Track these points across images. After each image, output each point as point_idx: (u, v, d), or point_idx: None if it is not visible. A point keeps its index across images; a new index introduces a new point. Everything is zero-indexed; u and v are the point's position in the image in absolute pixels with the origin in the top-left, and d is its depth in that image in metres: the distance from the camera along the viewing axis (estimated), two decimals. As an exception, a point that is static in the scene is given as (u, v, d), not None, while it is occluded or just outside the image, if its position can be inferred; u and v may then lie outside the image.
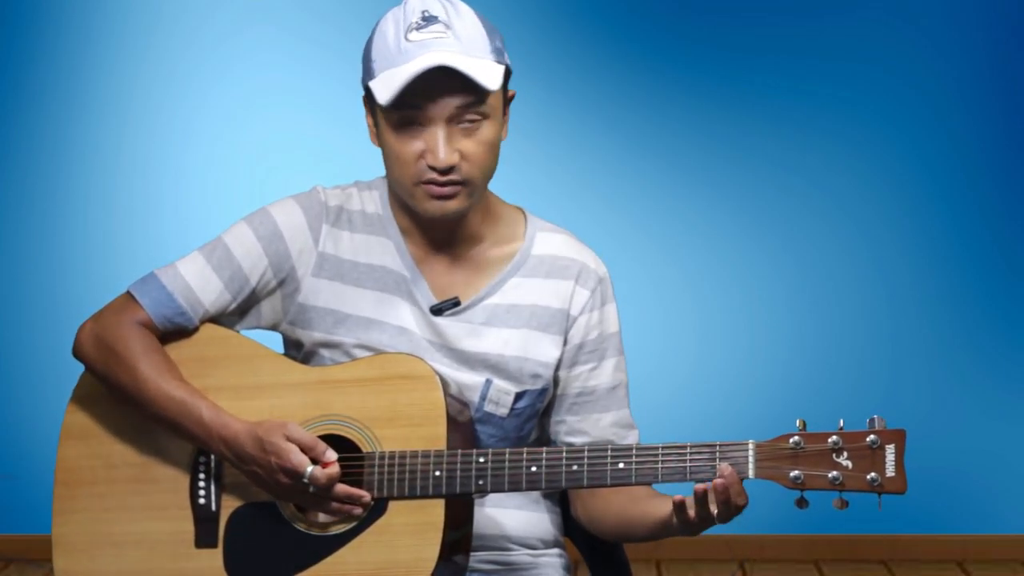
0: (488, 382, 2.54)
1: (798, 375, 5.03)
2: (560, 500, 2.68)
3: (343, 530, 2.45)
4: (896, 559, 5.07)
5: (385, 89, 2.43)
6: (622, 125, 5.01)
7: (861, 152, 5.00)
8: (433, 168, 2.44)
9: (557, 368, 2.58)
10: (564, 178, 5.01)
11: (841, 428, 2.34)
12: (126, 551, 2.52)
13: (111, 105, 5.03)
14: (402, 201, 2.54)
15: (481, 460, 2.42)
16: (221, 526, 2.50)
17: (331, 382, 2.49)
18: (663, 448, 2.39)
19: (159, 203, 5.03)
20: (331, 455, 2.42)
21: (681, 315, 5.05)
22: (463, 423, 2.50)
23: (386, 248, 2.56)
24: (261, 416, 2.47)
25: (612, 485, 2.40)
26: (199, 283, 2.53)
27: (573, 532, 2.70)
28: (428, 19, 2.44)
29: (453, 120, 2.43)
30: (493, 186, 2.57)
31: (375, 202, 2.58)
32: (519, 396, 2.56)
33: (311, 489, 2.42)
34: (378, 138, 2.51)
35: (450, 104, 2.43)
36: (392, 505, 2.44)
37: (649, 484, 2.43)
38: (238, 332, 2.57)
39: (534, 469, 2.42)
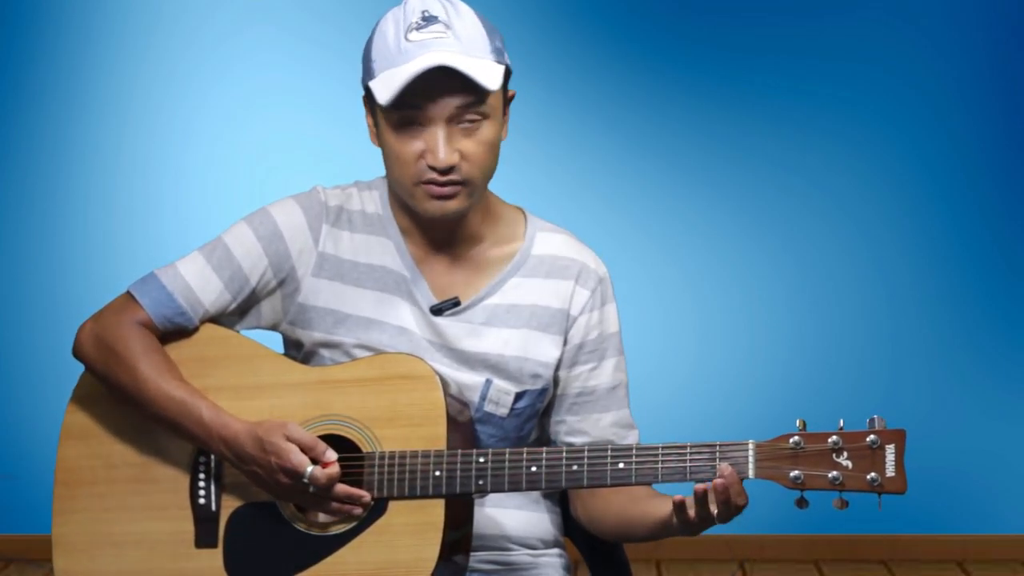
0: (488, 382, 2.54)
1: (798, 375, 5.03)
2: (560, 500, 2.68)
3: (343, 530, 2.45)
4: (896, 559, 5.07)
5: (385, 89, 2.43)
6: (622, 125, 5.01)
7: (861, 152, 5.00)
8: (433, 168, 2.44)
9: (557, 368, 2.58)
10: (564, 178, 5.01)
11: (841, 428, 2.34)
12: (126, 551, 2.52)
13: (111, 105, 5.03)
14: (402, 201, 2.54)
15: (481, 460, 2.42)
16: (221, 526, 2.50)
17: (331, 382, 2.49)
18: (663, 448, 2.39)
19: (159, 203, 5.03)
20: (331, 455, 2.42)
21: (681, 315, 5.05)
22: (463, 423, 2.50)
23: (386, 248, 2.56)
24: (261, 416, 2.47)
25: (612, 485, 2.40)
26: (199, 283, 2.53)
27: (573, 532, 2.70)
28: (428, 19, 2.44)
29: (453, 120, 2.44)
30: (493, 186, 2.57)
31: (375, 202, 2.58)
32: (519, 396, 2.56)
33: (311, 489, 2.42)
34: (378, 138, 2.51)
35: (450, 104, 2.43)
36: (392, 505, 2.44)
37: (649, 484, 2.43)
38: (238, 332, 2.57)
39: (534, 469, 2.42)
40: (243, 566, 2.48)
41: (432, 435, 2.44)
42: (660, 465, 2.38)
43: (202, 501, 2.51)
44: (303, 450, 2.42)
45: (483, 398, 2.55)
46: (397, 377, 2.46)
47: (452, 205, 2.47)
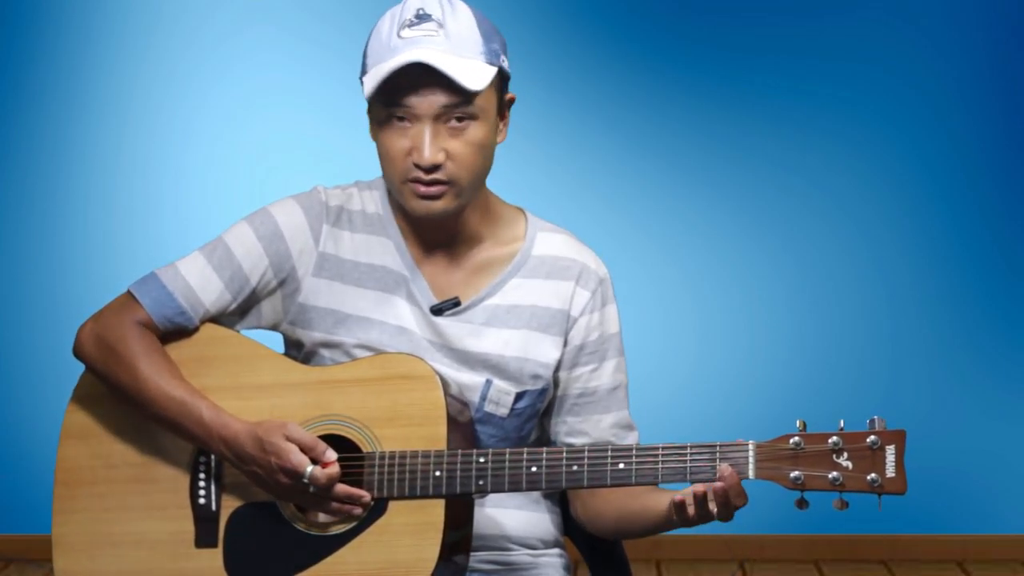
0: (488, 382, 2.54)
1: (798, 375, 5.02)
2: (560, 500, 2.68)
3: (343, 530, 2.45)
4: (896, 559, 5.07)
5: (370, 83, 2.44)
6: (622, 125, 5.01)
7: (861, 152, 5.00)
8: (418, 166, 2.44)
9: (557, 369, 2.58)
10: (564, 178, 5.00)
11: (841, 428, 2.34)
12: (126, 551, 2.52)
13: (111, 105, 5.03)
14: (402, 201, 2.55)
15: (481, 460, 2.42)
16: (221, 526, 2.50)
17: (331, 382, 2.49)
18: (663, 448, 2.39)
19: (159, 203, 5.03)
20: (331, 455, 2.42)
21: (681, 315, 5.05)
22: (463, 423, 2.50)
23: (386, 248, 2.56)
24: (261, 416, 2.47)
25: (612, 485, 2.40)
26: (199, 283, 2.53)
27: (573, 532, 2.70)
28: (421, 17, 2.45)
29: (440, 119, 2.44)
30: (493, 186, 2.57)
31: (375, 202, 2.58)
32: (519, 396, 2.56)
33: (311, 489, 2.42)
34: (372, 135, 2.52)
35: (436, 103, 2.43)
36: (392, 505, 2.44)
37: (649, 484, 2.42)
38: (238, 332, 2.57)
39: (534, 469, 2.42)
40: (243, 566, 2.48)
41: (432, 435, 2.44)
42: (660, 465, 2.38)
43: (202, 501, 2.51)
44: (303, 450, 2.42)
45: (483, 398, 2.55)
46: (397, 377, 2.46)
47: (438, 205, 2.47)
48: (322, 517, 2.47)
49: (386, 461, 2.44)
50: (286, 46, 5.00)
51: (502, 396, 2.55)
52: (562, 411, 2.60)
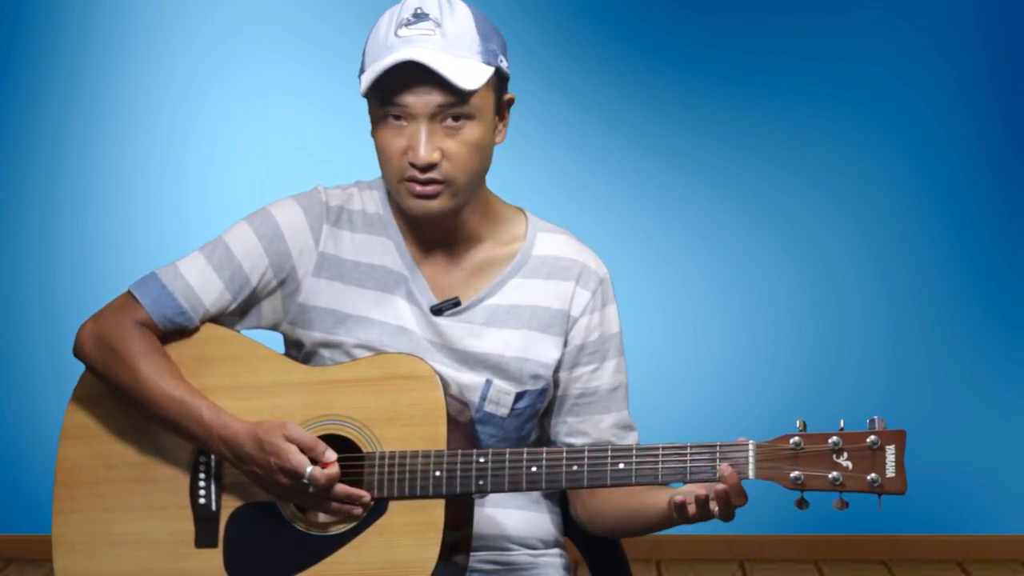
0: (488, 382, 2.54)
1: (798, 375, 5.02)
2: (560, 500, 2.68)
3: (343, 530, 2.45)
4: (896, 559, 5.07)
5: (365, 81, 2.45)
6: (622, 125, 5.01)
7: (861, 152, 5.00)
8: (414, 165, 2.44)
9: (557, 369, 2.58)
10: (564, 178, 5.00)
11: (841, 428, 2.34)
12: (126, 551, 2.52)
13: (111, 105, 5.03)
14: (402, 201, 2.55)
15: (481, 460, 2.42)
16: (221, 526, 2.50)
17: (331, 382, 2.49)
18: (663, 448, 2.39)
19: (159, 203, 5.03)
20: (330, 455, 2.42)
21: (681, 315, 5.05)
22: (463, 423, 2.50)
23: (387, 248, 2.56)
24: (261, 416, 2.47)
25: (612, 485, 2.40)
26: (200, 283, 2.53)
27: (573, 532, 2.70)
28: (419, 16, 2.45)
29: (436, 118, 2.44)
30: (493, 186, 2.57)
31: (376, 202, 2.58)
32: (519, 396, 2.55)
33: (311, 489, 2.42)
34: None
35: (431, 102, 2.43)
36: (392, 505, 2.44)
37: (649, 484, 2.42)
38: (238, 332, 2.57)
39: (534, 469, 2.42)
40: (243, 566, 2.48)
41: (432, 435, 2.44)
42: (660, 465, 2.38)
43: (202, 501, 2.51)
44: (303, 450, 2.42)
45: (483, 398, 2.55)
46: (397, 377, 2.46)
47: (434, 205, 2.47)
48: (322, 517, 2.47)
49: (386, 461, 2.44)
50: (286, 46, 5.00)
51: (502, 396, 2.55)
52: (562, 411, 2.60)
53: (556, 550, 2.66)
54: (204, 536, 2.50)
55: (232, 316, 2.56)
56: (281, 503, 2.48)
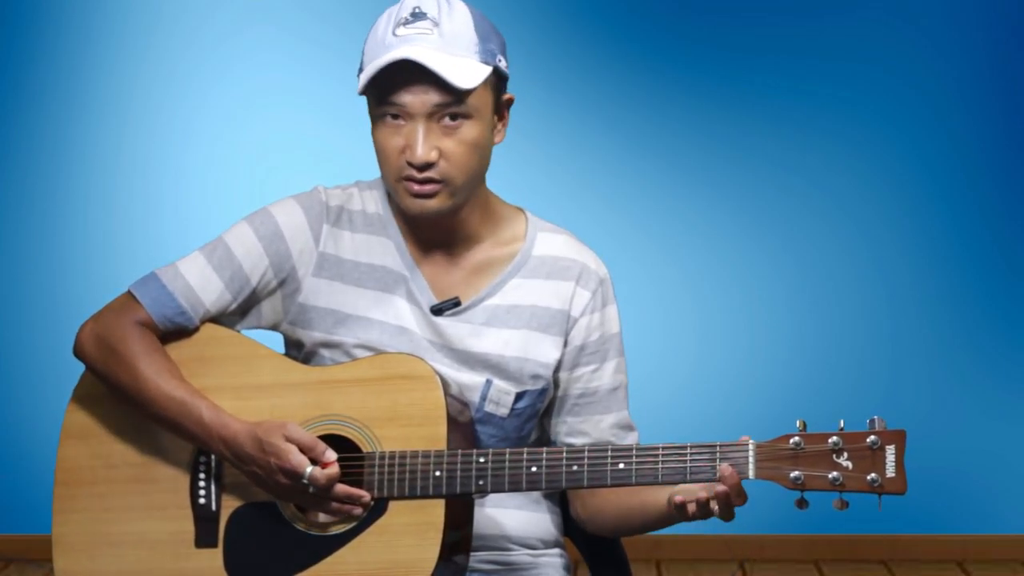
0: (488, 382, 2.54)
1: (798, 375, 5.02)
2: (560, 500, 2.68)
3: (343, 530, 2.45)
4: (896, 559, 5.07)
5: (362, 80, 2.45)
6: (622, 125, 5.01)
7: (861, 152, 5.00)
8: (411, 164, 2.44)
9: (558, 370, 2.58)
10: (564, 178, 5.00)
11: (841, 428, 2.34)
12: (126, 551, 2.52)
13: (111, 105, 5.03)
14: (402, 201, 2.55)
15: (481, 460, 2.42)
16: (221, 526, 2.50)
17: (331, 382, 2.49)
18: (663, 448, 2.39)
19: (159, 203, 5.03)
20: (330, 455, 2.42)
21: (681, 315, 5.05)
22: (463, 423, 2.50)
23: (387, 248, 2.56)
24: (261, 416, 2.47)
25: (612, 485, 2.40)
26: (200, 283, 2.53)
27: (573, 532, 2.70)
28: (417, 15, 2.45)
29: (433, 117, 2.44)
30: (493, 186, 2.57)
31: (376, 202, 2.58)
32: (519, 396, 2.56)
33: (311, 489, 2.42)
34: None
35: (428, 101, 2.43)
36: (392, 505, 2.44)
37: (649, 484, 2.42)
38: (238, 332, 2.57)
39: (534, 469, 2.42)
40: (243, 566, 2.48)
41: (432, 435, 2.44)
42: (660, 465, 2.38)
43: (202, 501, 2.51)
44: (303, 450, 2.42)
45: (483, 398, 2.55)
46: (397, 377, 2.46)
47: (432, 204, 2.47)
48: (322, 517, 2.47)
49: (386, 461, 2.44)
50: (286, 46, 5.00)
51: (502, 396, 2.55)
52: (562, 411, 2.60)
53: (556, 550, 2.66)
54: (204, 536, 2.50)
55: (232, 316, 2.56)
56: (281, 503, 2.48)
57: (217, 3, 5.00)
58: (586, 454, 2.41)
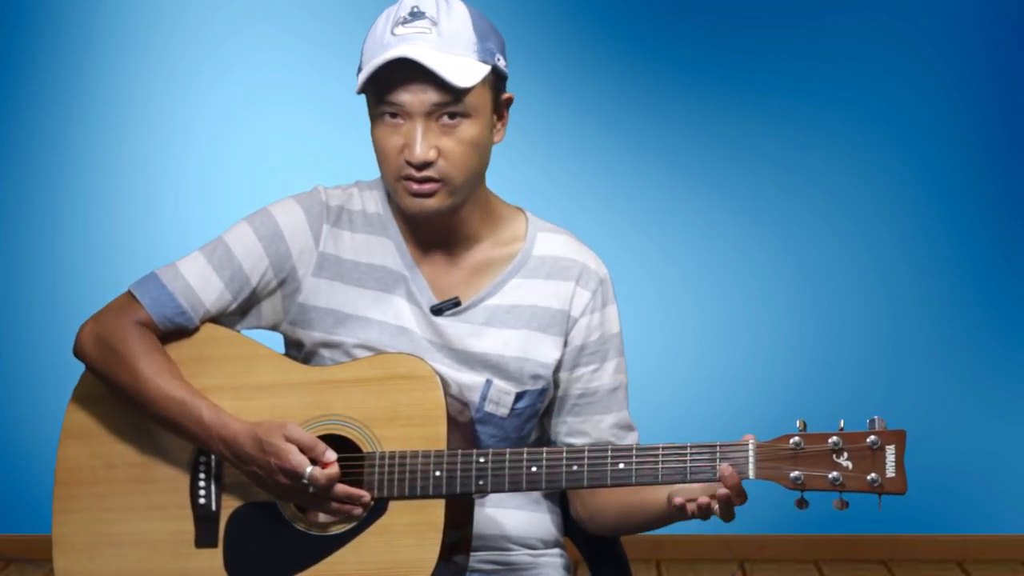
0: (488, 382, 2.54)
1: (798, 375, 5.02)
2: (560, 500, 2.68)
3: (343, 530, 2.45)
4: (896, 559, 5.07)
5: (361, 79, 2.45)
6: (622, 125, 5.01)
7: (861, 152, 5.00)
8: (410, 163, 2.44)
9: (558, 370, 2.58)
10: (564, 178, 5.00)
11: (841, 428, 2.34)
12: (126, 551, 2.52)
13: (111, 105, 5.03)
14: (402, 201, 2.55)
15: (481, 460, 2.42)
16: (221, 526, 2.50)
17: (331, 382, 2.49)
18: (663, 448, 2.39)
19: (159, 203, 5.03)
20: (330, 455, 2.42)
21: (681, 315, 5.05)
22: (463, 423, 2.50)
23: (387, 248, 2.56)
24: (261, 416, 2.47)
25: (612, 485, 2.40)
26: (200, 283, 2.53)
27: (573, 532, 2.70)
28: (415, 14, 2.45)
29: (432, 116, 2.44)
30: (493, 186, 2.57)
31: (376, 202, 2.58)
32: (519, 396, 2.55)
33: (311, 489, 2.42)
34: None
35: (426, 100, 2.43)
36: (392, 505, 2.44)
37: (649, 484, 2.42)
38: (238, 332, 2.57)
39: (534, 469, 2.42)
40: (243, 566, 2.48)
41: (432, 435, 2.44)
42: (660, 465, 2.38)
43: (202, 501, 2.51)
44: (303, 450, 2.42)
45: (483, 398, 2.55)
46: (397, 377, 2.46)
47: (431, 203, 2.47)
48: (322, 517, 2.47)
49: (386, 461, 2.44)
50: (286, 46, 5.00)
51: (502, 396, 2.55)
52: (562, 411, 2.60)
53: (556, 550, 2.66)
54: (204, 536, 2.50)
55: (232, 316, 2.56)
56: (281, 503, 2.48)
57: (217, 3, 5.00)
58: (586, 454, 2.41)
